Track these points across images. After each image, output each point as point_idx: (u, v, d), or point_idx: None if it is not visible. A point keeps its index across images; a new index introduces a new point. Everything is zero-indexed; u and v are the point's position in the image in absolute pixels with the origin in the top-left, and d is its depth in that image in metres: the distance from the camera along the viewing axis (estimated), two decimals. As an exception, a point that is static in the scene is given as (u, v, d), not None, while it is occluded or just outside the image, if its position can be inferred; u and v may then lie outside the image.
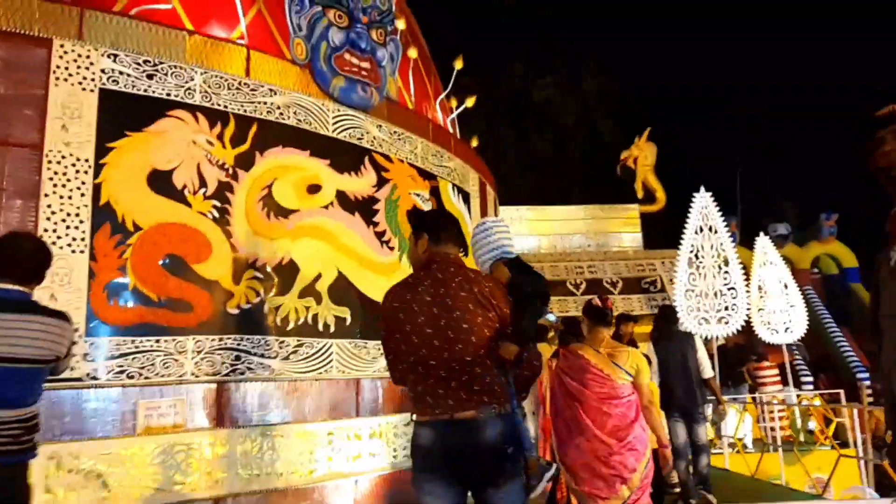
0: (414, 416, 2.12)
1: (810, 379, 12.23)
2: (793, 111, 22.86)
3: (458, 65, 7.22)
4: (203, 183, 3.97)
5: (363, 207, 4.77)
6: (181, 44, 4.05)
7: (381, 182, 5.00)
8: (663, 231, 16.85)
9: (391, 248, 4.92)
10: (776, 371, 10.05)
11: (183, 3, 4.63)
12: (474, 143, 8.89)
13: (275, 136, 4.35)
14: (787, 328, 8.66)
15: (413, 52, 6.60)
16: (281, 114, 4.41)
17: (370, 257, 4.70)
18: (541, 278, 2.60)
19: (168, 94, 3.93)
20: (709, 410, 5.29)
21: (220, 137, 4.09)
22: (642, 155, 14.46)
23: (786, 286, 8.83)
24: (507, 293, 2.24)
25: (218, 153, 4.07)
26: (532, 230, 13.22)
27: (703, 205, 7.75)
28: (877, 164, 1.66)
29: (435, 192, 5.66)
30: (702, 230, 7.68)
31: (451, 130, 7.08)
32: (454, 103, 8.16)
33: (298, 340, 4.16)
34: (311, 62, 4.67)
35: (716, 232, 7.62)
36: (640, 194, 14.42)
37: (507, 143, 19.72)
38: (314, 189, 4.49)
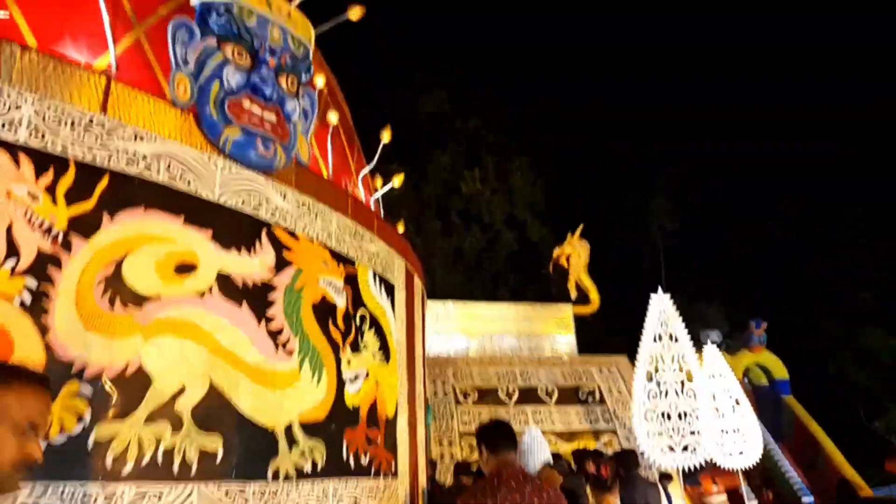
0: None
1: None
2: (721, 211, 23.58)
3: (386, 137, 6.43)
4: (13, 251, 2.80)
5: (254, 297, 3.67)
6: (7, 61, 2.99)
7: (282, 265, 3.95)
8: (598, 334, 16.33)
9: (289, 353, 3.80)
10: (724, 498, 9.22)
11: (28, 17, 3.61)
12: (400, 228, 8.04)
13: (135, 195, 3.26)
14: (742, 450, 7.89)
15: (333, 117, 5.76)
16: (148, 166, 3.34)
17: (259, 364, 3.57)
18: (581, 478, 3.55)
19: (-27, 124, 2.82)
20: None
21: (50, 190, 2.97)
22: (575, 253, 14.03)
23: (737, 402, 8.13)
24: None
25: (44, 211, 2.94)
26: (459, 328, 12.29)
27: (662, 308, 6.99)
28: None
29: (351, 281, 4.65)
30: (661, 338, 6.88)
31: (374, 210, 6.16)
32: (379, 183, 7.33)
33: (138, 489, 2.91)
34: (198, 105, 3.69)
35: (677, 340, 6.84)
36: (573, 294, 13.84)
37: (433, 236, 19.07)
38: (186, 269, 3.38)
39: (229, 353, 3.41)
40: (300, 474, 3.67)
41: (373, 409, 4.62)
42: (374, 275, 5.05)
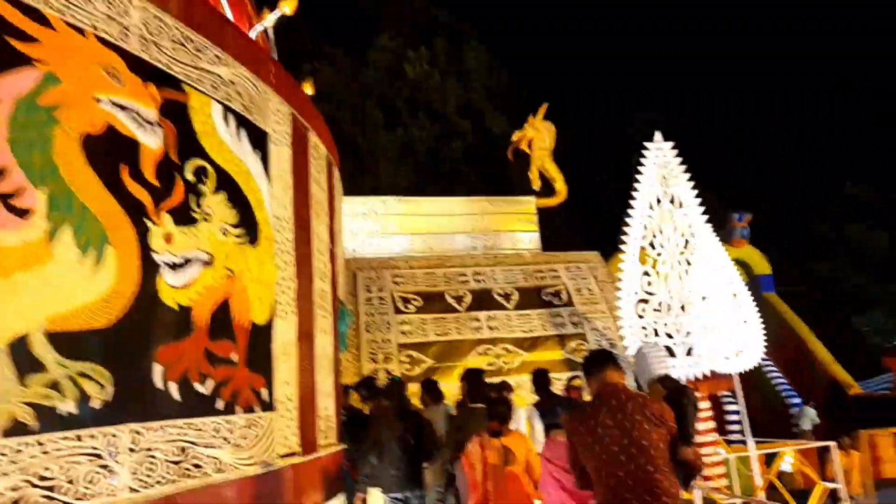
0: None
1: (737, 419, 10.49)
2: (702, 93, 22.13)
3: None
4: None
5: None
6: None
7: (8, 62, 2.32)
8: (565, 229, 15.05)
9: (23, 213, 2.24)
10: (708, 405, 8.18)
11: None
12: (308, 90, 6.39)
13: None
14: (740, 351, 6.75)
15: None
16: None
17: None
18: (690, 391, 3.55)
19: None
20: None
21: None
22: (538, 136, 12.43)
23: (735, 295, 6.91)
24: (671, 410, 2.84)
25: None
26: (402, 227, 10.79)
27: (662, 161, 5.37)
28: None
29: (176, 114, 3.05)
30: (659, 202, 5.32)
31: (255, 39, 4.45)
32: (267, 15, 5.60)
33: None
34: None
35: (681, 206, 5.30)
36: (536, 185, 12.36)
37: (376, 129, 17.22)
38: None
39: None
40: (51, 419, 2.19)
41: (222, 311, 3.14)
42: (226, 112, 3.45)
